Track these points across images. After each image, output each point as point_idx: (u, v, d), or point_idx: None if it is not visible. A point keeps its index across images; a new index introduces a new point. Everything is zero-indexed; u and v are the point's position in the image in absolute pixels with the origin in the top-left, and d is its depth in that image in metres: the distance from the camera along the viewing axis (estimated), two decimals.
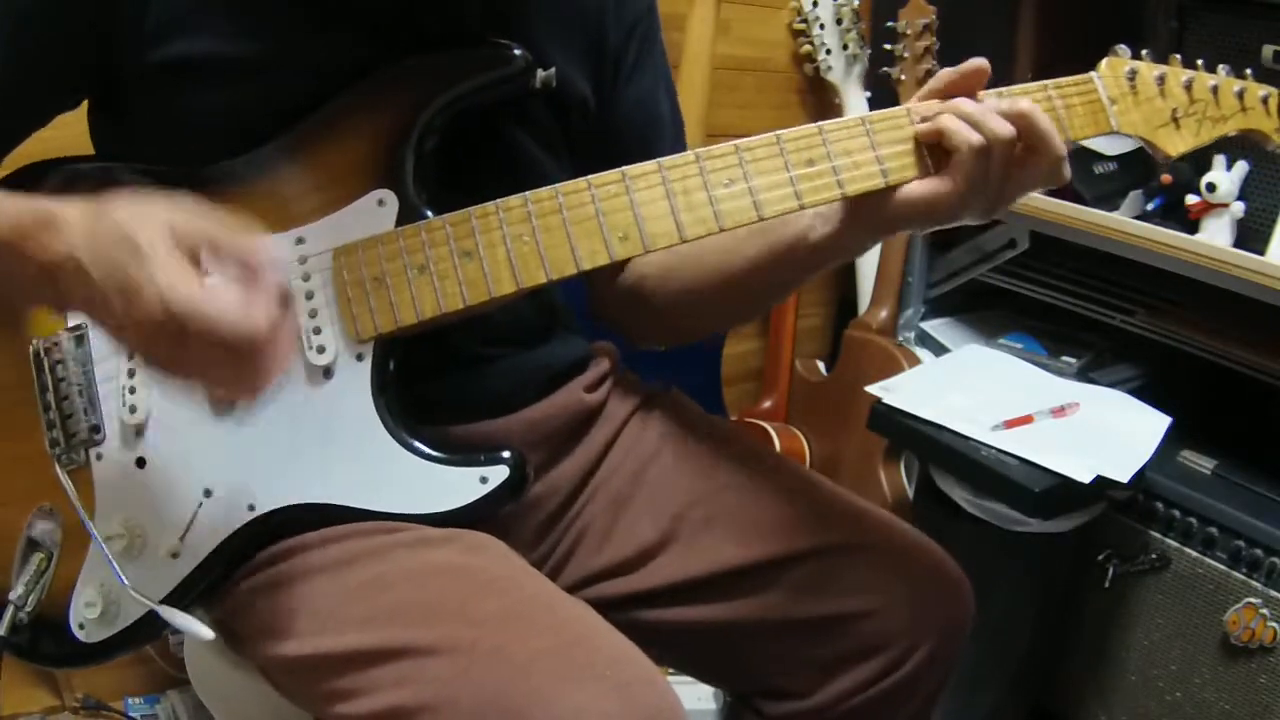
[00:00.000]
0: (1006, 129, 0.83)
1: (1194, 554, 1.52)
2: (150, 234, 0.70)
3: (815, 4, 2.01)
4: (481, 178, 0.91)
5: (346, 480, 0.89)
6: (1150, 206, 1.74)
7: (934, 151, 0.86)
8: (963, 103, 0.85)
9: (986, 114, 0.83)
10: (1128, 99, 0.93)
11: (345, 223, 0.88)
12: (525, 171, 0.95)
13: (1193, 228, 1.66)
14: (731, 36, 2.02)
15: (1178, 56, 0.94)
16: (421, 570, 0.86)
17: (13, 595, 0.90)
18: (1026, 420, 1.55)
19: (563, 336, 1.09)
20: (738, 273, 0.99)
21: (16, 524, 0.92)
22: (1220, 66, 0.95)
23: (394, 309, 0.87)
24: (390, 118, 0.89)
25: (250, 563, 0.90)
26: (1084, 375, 1.78)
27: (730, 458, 1.08)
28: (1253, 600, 1.45)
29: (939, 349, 1.96)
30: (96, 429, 0.90)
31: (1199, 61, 0.95)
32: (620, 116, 1.06)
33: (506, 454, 0.89)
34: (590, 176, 0.86)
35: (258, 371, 0.72)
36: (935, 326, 2.01)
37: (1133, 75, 0.93)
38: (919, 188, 0.86)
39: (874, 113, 0.87)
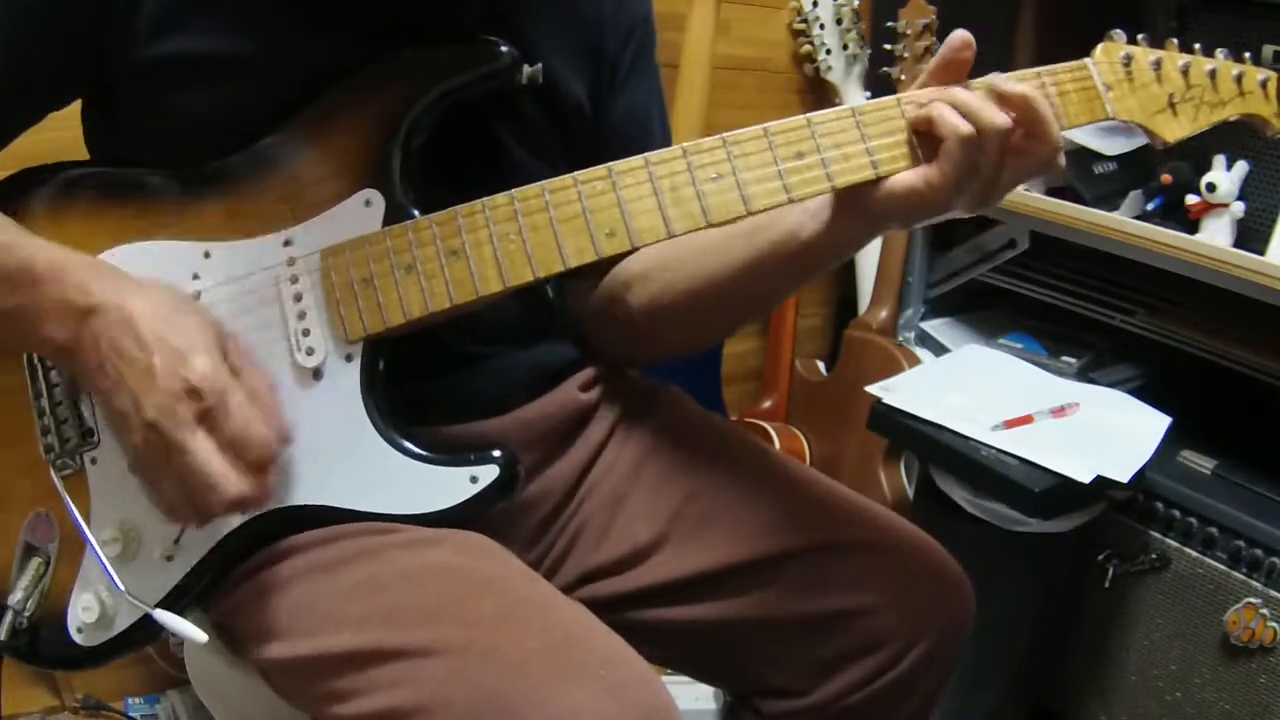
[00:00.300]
0: (1001, 118, 0.81)
1: (1194, 554, 1.52)
2: (199, 336, 0.80)
3: (815, 4, 2.01)
4: (470, 176, 0.91)
5: (337, 482, 0.89)
6: (1150, 206, 1.73)
7: (925, 142, 0.84)
8: (957, 91, 0.83)
9: (981, 103, 0.81)
10: (1123, 85, 0.90)
11: (333, 223, 0.88)
12: (513, 171, 0.95)
13: (1193, 228, 1.66)
14: (731, 36, 2.02)
15: (1174, 41, 0.92)
16: (416, 571, 0.86)
17: (11, 600, 0.90)
18: (1026, 420, 1.55)
19: (557, 335, 1.09)
20: (724, 276, 0.97)
21: (14, 529, 0.92)
22: (1218, 50, 0.93)
23: (382, 310, 0.87)
24: (377, 116, 0.89)
25: (245, 565, 0.90)
26: (1084, 375, 1.78)
27: (727, 454, 1.08)
28: (1253, 600, 1.45)
29: (939, 349, 1.96)
30: (90, 433, 0.90)
31: (1196, 45, 0.93)
32: (611, 128, 1.05)
33: (496, 453, 0.89)
34: (577, 173, 0.86)
35: (220, 493, 0.78)
36: (935, 326, 2.01)
37: (1128, 60, 0.90)
38: (908, 177, 0.84)
39: (864, 104, 0.86)
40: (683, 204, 0.85)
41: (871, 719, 1.00)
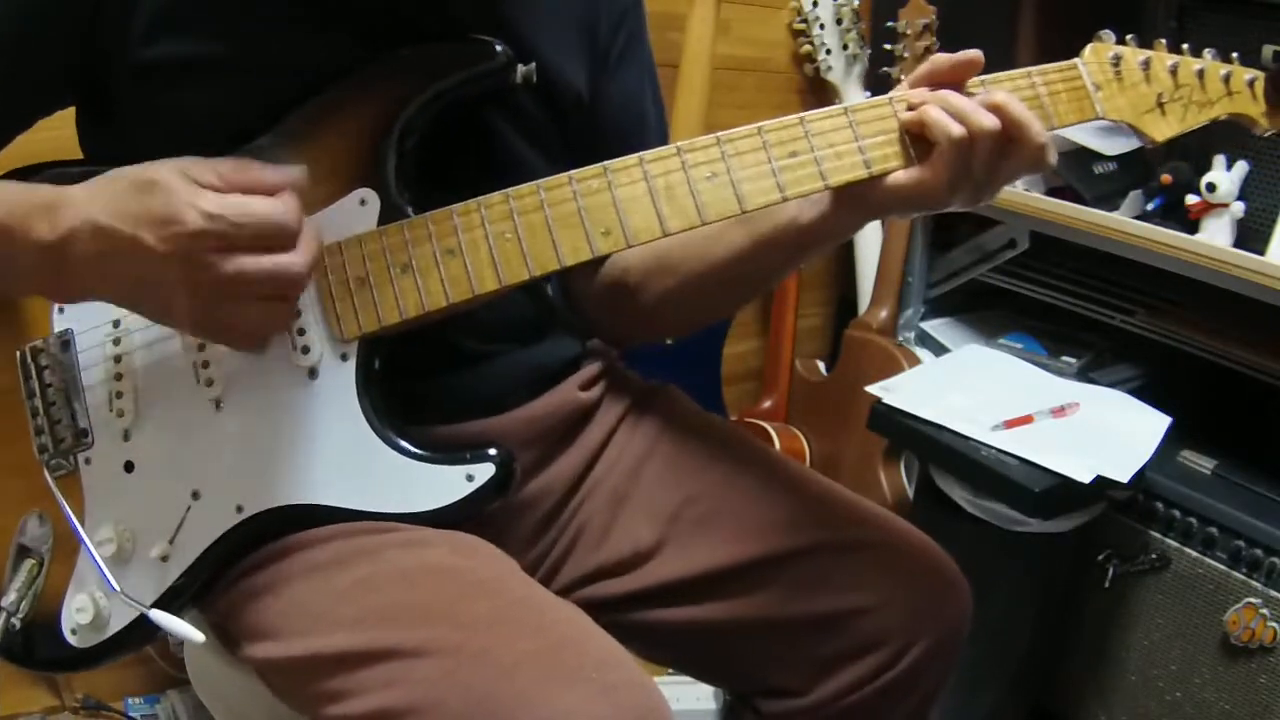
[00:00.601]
0: (991, 122, 0.83)
1: (1194, 554, 1.52)
2: (165, 173, 0.77)
3: (815, 4, 2.01)
4: (466, 174, 0.90)
5: (333, 481, 0.89)
6: (1150, 206, 1.73)
7: (917, 141, 0.86)
8: (949, 95, 0.85)
9: (972, 108, 0.84)
10: (1112, 85, 0.92)
11: (328, 223, 0.87)
12: (511, 167, 0.95)
13: (1193, 228, 1.66)
14: (731, 36, 2.02)
15: (1163, 41, 0.93)
16: (411, 571, 0.86)
17: (5, 602, 0.90)
18: (1026, 420, 1.55)
19: (557, 334, 1.09)
20: (725, 260, 0.99)
21: (7, 530, 0.92)
22: (1206, 51, 0.94)
23: (377, 308, 0.87)
24: (371, 115, 0.89)
25: (241, 564, 0.90)
26: (1084, 375, 1.78)
27: (726, 454, 1.08)
28: (1253, 600, 1.45)
29: (939, 349, 1.96)
30: (84, 433, 0.90)
31: (1184, 46, 0.94)
32: (606, 116, 1.06)
33: (492, 451, 0.89)
34: (572, 171, 0.86)
35: (294, 276, 0.79)
36: (935, 326, 2.01)
37: (1117, 60, 0.92)
38: (903, 177, 0.86)
39: (857, 103, 0.88)
40: (677, 202, 0.86)
41: (871, 718, 1.00)
